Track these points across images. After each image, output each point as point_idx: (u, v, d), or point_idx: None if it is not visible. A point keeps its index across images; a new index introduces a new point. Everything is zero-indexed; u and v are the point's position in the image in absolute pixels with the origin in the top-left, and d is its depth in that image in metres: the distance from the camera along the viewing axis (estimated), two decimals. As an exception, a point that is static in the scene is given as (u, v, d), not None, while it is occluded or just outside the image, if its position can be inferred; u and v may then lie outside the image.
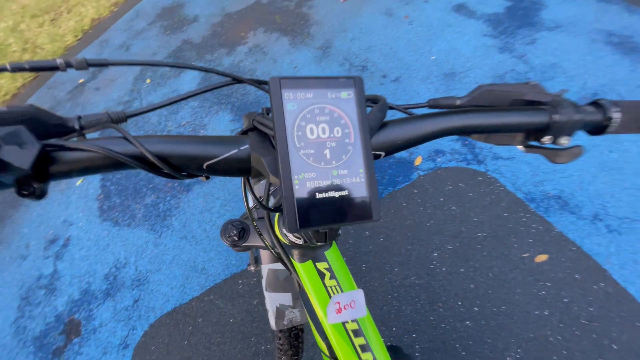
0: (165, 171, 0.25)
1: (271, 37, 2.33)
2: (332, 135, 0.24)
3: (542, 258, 1.21)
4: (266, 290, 0.65)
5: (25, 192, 0.22)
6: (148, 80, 2.36)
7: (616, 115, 0.31)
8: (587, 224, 1.25)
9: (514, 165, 1.43)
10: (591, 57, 1.69)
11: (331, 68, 2.00)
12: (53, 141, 0.23)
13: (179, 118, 2.05)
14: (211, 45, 2.43)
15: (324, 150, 0.24)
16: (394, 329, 1.17)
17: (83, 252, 1.63)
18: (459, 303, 1.18)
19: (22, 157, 0.21)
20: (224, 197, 1.65)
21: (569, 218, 1.27)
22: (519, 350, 1.08)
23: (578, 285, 1.15)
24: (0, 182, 0.21)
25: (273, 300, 0.64)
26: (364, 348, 0.36)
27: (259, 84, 0.33)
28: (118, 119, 0.27)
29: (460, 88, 1.72)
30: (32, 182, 0.22)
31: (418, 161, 1.53)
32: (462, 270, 1.24)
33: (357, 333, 0.36)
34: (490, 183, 1.41)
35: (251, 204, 0.71)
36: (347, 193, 0.24)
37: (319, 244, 0.32)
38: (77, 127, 0.25)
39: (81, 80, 2.56)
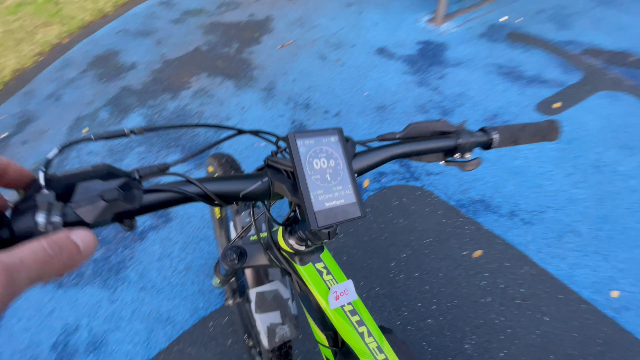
0: (216, 202, 0.34)
1: (215, 81, 2.43)
2: (329, 165, 0.36)
3: (478, 253, 1.42)
4: (256, 312, 0.71)
5: (125, 225, 0.29)
6: (85, 130, 2.27)
7: (495, 136, 0.48)
8: (506, 220, 1.51)
9: (444, 179, 1.68)
10: (488, 85, 2.09)
11: (277, 107, 2.15)
12: (147, 186, 0.31)
13: (124, 165, 2.00)
14: (153, 90, 2.44)
15: (326, 175, 0.35)
16: (367, 339, 1.26)
17: (22, 323, 1.46)
18: (419, 304, 1.32)
19: (134, 199, 0.29)
20: (183, 239, 1.64)
21: (492, 217, 1.52)
22: (473, 337, 1.24)
23: (509, 272, 1.37)
24: (105, 219, 0.28)
25: (264, 321, 0.71)
26: (360, 323, 0.46)
27: (256, 133, 0.44)
28: (164, 168, 0.35)
29: (391, 118, 1.99)
30: (132, 216, 0.30)
31: (366, 183, 1.71)
32: (417, 274, 1.40)
33: (352, 313, 0.47)
34: (427, 195, 1.63)
35: (232, 231, 0.77)
36: (343, 201, 0.35)
37: (324, 240, 0.42)
38: (137, 177, 0.33)
39: (4, 134, 2.35)
